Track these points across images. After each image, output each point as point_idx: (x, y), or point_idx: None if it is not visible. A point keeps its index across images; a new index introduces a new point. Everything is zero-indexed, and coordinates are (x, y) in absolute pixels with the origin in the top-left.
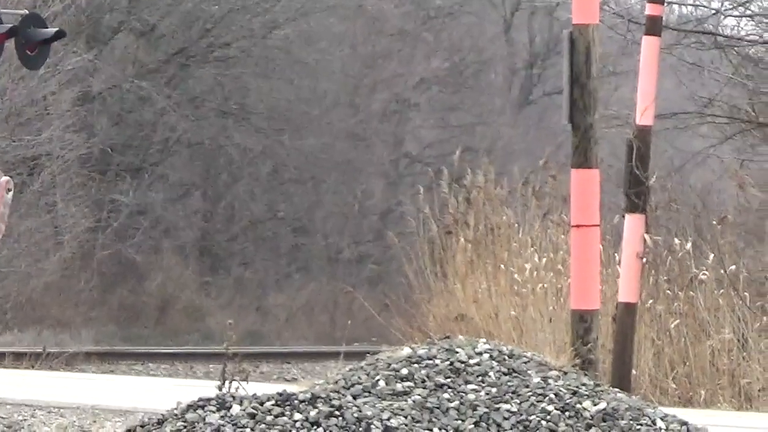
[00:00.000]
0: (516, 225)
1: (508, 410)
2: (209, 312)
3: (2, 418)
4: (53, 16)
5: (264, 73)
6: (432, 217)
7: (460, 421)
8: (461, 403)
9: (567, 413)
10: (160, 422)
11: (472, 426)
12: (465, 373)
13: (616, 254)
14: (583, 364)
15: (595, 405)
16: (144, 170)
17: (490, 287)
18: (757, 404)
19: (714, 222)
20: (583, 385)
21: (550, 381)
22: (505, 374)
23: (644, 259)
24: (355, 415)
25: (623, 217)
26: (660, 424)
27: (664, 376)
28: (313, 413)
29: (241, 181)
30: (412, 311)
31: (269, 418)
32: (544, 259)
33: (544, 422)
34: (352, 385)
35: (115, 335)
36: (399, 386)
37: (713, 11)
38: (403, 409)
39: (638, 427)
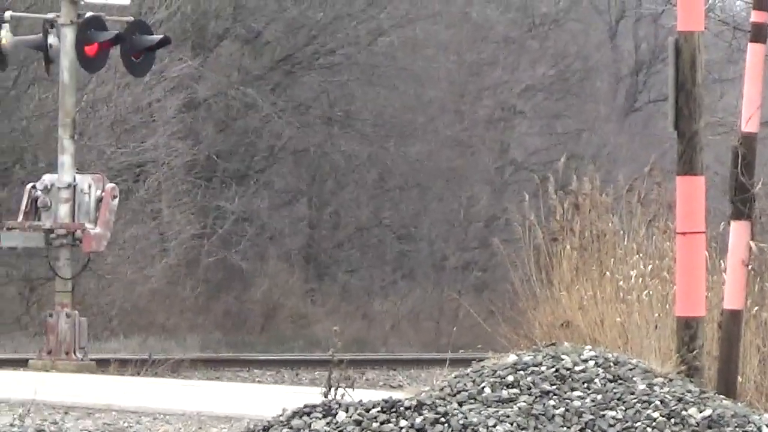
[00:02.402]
0: (621, 232)
1: (613, 417)
2: (315, 319)
3: (108, 424)
4: (158, 23)
5: (369, 80)
6: (537, 224)
7: (565, 428)
8: (567, 410)
9: (672, 420)
10: (266, 429)
11: None
12: (570, 380)
13: (722, 261)
14: (688, 371)
15: (700, 412)
16: (249, 177)
17: (596, 294)
18: None
19: None
20: (689, 392)
21: (656, 388)
22: (610, 381)
23: (750, 266)
24: (461, 422)
25: (729, 224)
26: (766, 431)
27: None
28: (418, 420)
29: (347, 188)
30: (518, 318)
31: (375, 425)
32: (650, 266)
33: (649, 429)
34: (458, 392)
35: (221, 342)
36: (504, 393)
37: None
38: (508, 416)
39: None
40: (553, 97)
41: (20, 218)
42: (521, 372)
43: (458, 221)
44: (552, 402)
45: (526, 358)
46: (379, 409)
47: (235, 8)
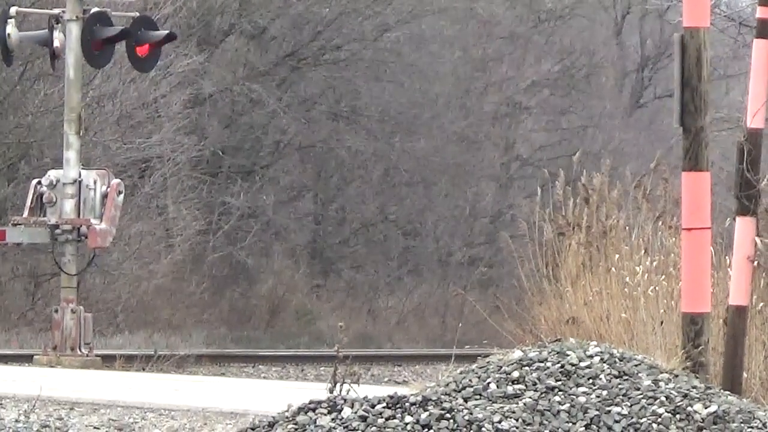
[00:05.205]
0: (627, 228)
1: (618, 413)
2: (320, 315)
3: (113, 420)
4: (164, 19)
5: (375, 75)
6: (545, 220)
7: (570, 424)
8: (572, 406)
9: (678, 416)
10: (271, 425)
11: (583, 429)
12: (576, 375)
13: (727, 257)
14: (693, 367)
15: (705, 408)
16: (255, 173)
17: (602, 290)
18: None
19: None
20: (694, 387)
21: (661, 384)
22: (615, 377)
23: (755, 262)
24: (466, 417)
25: (734, 220)
26: None
27: None
28: (424, 416)
29: (352, 184)
30: (523, 314)
31: (380, 420)
32: (656, 262)
33: (654, 425)
34: (463, 388)
35: (226, 338)
36: (510, 389)
37: None
38: (514, 412)
39: (749, 429)
40: (558, 93)
41: (26, 214)
42: (527, 368)
43: (464, 217)
44: (557, 398)
45: (532, 354)
46: (384, 404)
47: (240, 4)
